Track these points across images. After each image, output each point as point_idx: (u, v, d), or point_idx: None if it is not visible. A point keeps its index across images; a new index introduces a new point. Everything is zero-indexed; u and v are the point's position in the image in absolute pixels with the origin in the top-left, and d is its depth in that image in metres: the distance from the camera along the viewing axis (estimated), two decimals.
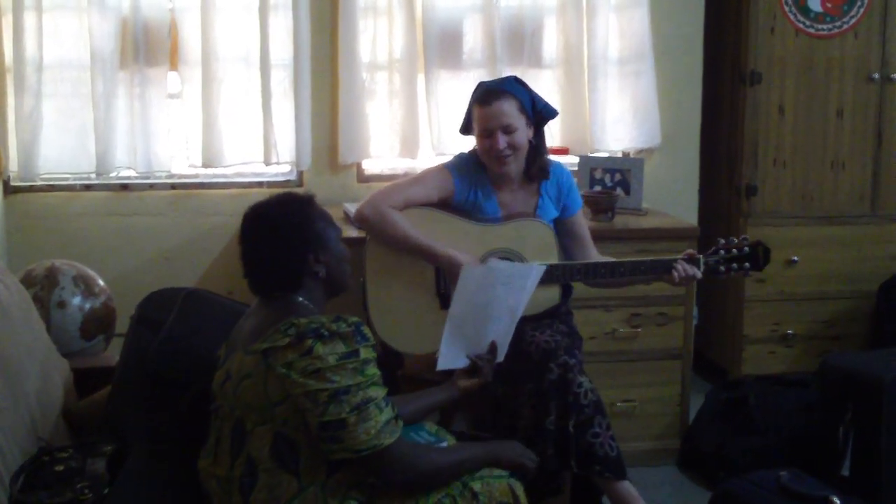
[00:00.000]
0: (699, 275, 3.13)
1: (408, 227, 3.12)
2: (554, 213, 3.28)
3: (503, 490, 2.36)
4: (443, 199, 3.21)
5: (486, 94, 3.13)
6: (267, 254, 2.31)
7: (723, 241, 3.19)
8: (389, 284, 3.19)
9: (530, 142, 3.17)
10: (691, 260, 3.13)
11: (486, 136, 3.13)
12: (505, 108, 3.09)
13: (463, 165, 3.23)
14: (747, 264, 3.16)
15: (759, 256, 3.16)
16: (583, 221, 3.39)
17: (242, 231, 2.36)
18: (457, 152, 3.36)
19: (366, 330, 2.17)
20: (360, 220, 3.20)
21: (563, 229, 3.30)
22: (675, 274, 3.11)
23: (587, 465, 2.93)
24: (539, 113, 3.18)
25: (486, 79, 4.13)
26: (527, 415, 3.00)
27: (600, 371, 3.78)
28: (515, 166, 3.18)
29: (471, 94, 3.23)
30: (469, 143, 3.30)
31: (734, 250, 3.16)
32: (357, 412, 2.09)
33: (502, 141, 3.10)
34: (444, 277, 3.17)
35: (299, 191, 2.47)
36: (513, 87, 3.15)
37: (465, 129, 3.26)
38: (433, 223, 3.17)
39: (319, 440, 2.11)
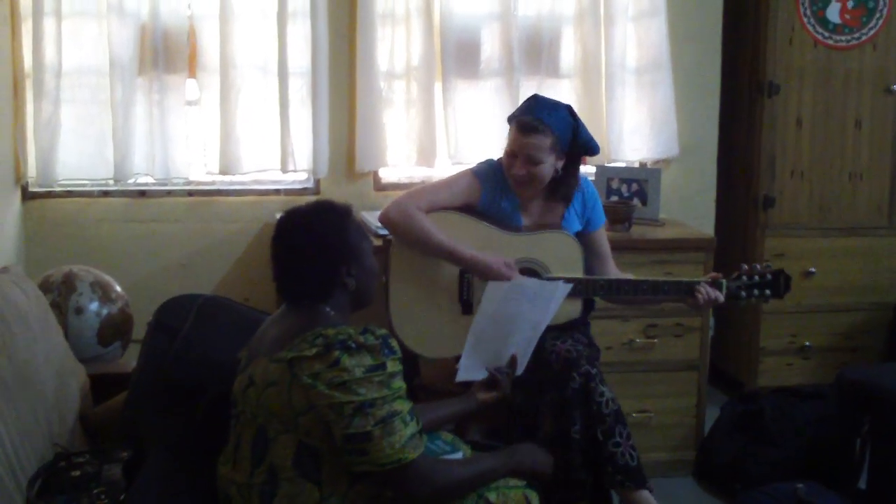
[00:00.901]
0: (721, 298, 3.13)
1: (433, 230, 3.11)
2: (577, 227, 3.28)
3: (519, 500, 2.36)
4: (468, 205, 3.21)
5: (528, 123, 3.09)
6: (300, 262, 2.28)
7: (746, 266, 3.18)
8: (412, 287, 3.19)
9: (556, 171, 3.16)
10: (714, 283, 3.13)
11: (510, 155, 3.15)
12: (538, 142, 3.07)
13: (491, 172, 3.23)
14: (768, 291, 3.16)
15: (780, 284, 3.16)
16: (604, 237, 3.38)
17: (276, 235, 2.33)
18: (474, 160, 3.36)
19: (393, 343, 2.16)
20: (385, 223, 3.20)
21: (584, 243, 3.28)
22: (700, 297, 3.10)
23: (609, 475, 2.93)
24: (578, 147, 3.17)
25: (504, 89, 4.21)
26: (548, 424, 2.99)
27: (616, 381, 3.75)
28: (531, 191, 3.19)
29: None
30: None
31: (756, 276, 3.15)
32: (382, 425, 2.07)
33: (522, 168, 3.11)
34: (467, 284, 3.17)
35: (337, 200, 2.43)
36: (558, 123, 3.10)
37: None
38: (460, 228, 3.16)
39: (343, 452, 2.10)
